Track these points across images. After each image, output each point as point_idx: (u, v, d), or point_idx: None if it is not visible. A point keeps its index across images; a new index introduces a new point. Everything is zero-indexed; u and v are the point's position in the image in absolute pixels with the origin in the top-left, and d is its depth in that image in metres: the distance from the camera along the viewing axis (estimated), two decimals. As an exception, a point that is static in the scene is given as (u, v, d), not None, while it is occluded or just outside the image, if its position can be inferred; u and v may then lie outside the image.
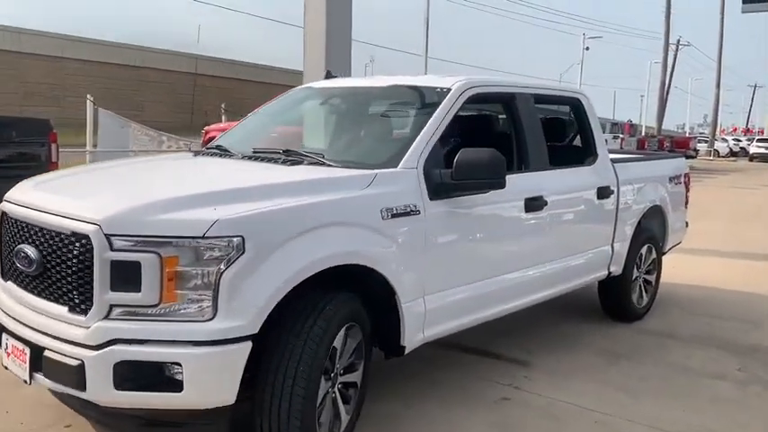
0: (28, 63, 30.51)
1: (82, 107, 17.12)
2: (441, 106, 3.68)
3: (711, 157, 43.74)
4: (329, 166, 3.39)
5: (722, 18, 44.67)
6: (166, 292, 2.54)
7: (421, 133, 3.51)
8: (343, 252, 2.94)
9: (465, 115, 4.40)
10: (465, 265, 3.66)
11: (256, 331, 2.63)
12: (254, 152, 3.75)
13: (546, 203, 4.15)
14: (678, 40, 48.69)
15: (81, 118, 16.96)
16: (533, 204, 4.06)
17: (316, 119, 4.32)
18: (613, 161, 5.13)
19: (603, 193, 4.83)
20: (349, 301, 3.04)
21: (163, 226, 2.57)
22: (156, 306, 2.53)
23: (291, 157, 3.52)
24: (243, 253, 2.57)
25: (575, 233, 4.62)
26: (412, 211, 3.26)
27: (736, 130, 74.28)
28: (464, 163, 3.35)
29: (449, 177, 3.38)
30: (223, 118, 20.25)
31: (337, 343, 2.97)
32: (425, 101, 3.88)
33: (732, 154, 49.03)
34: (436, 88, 3.86)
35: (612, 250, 5.08)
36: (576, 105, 4.96)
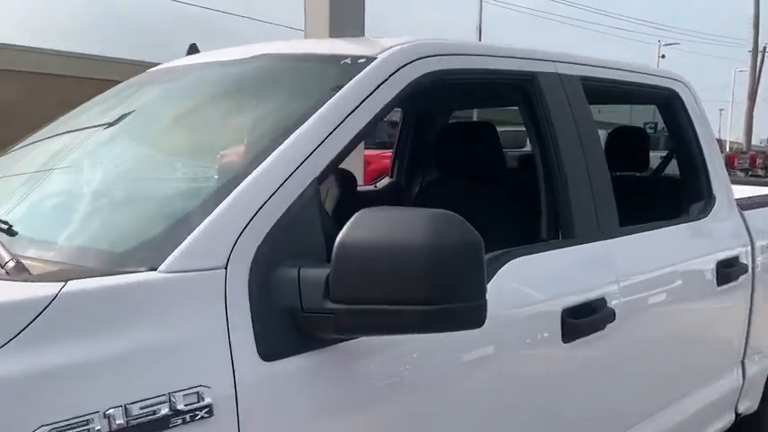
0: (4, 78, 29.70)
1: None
2: (337, 98, 1.46)
3: (808, 176, 39.39)
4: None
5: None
6: None
7: (260, 168, 1.30)
8: None
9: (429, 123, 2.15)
10: None
11: None
12: None
13: (612, 314, 1.86)
14: (765, 47, 44.51)
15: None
16: (582, 324, 1.76)
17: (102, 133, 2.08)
18: (740, 204, 2.77)
19: (729, 270, 2.45)
20: None
21: None
22: None
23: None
24: None
25: (671, 360, 2.28)
26: (189, 411, 1.05)
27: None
28: (359, 255, 1.13)
29: (318, 295, 1.17)
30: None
31: None
32: (311, 88, 1.65)
33: (833, 171, 44.15)
34: (342, 59, 1.62)
35: (744, 373, 2.70)
36: (670, 102, 2.61)
